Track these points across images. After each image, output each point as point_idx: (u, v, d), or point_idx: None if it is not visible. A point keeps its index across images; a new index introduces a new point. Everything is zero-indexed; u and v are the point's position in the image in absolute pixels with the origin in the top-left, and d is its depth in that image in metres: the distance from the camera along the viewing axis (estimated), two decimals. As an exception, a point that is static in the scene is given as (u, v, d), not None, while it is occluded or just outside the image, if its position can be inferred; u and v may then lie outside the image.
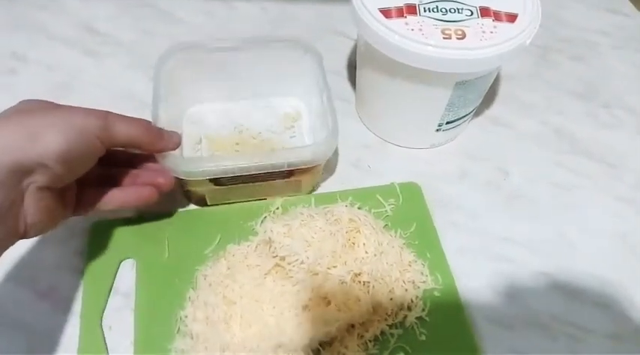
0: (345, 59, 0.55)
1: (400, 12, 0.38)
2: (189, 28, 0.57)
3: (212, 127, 0.47)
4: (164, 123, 0.38)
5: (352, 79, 0.53)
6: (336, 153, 0.47)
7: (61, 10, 0.57)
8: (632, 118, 0.52)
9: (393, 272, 0.37)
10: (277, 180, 0.40)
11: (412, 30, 0.37)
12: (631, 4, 0.63)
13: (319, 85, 0.43)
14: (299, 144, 0.47)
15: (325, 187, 0.45)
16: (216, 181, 0.39)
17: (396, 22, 0.37)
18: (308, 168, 0.39)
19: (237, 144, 0.46)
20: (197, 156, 0.45)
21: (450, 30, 0.37)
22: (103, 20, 0.56)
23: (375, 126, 0.49)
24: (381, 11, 0.38)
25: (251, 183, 0.40)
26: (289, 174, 0.40)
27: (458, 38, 0.36)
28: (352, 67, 0.54)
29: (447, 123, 0.44)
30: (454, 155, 0.48)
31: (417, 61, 0.37)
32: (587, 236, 0.44)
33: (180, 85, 0.45)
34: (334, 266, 0.35)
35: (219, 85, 0.47)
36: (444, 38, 0.36)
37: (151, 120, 0.37)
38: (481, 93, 0.44)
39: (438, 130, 0.45)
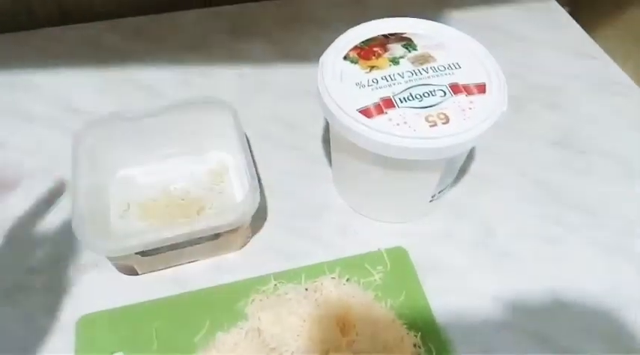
0: (323, 122, 0.56)
1: (379, 108, 0.38)
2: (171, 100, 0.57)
3: (140, 191, 0.48)
4: (88, 195, 0.41)
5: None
6: (264, 206, 0.48)
7: (39, 90, 0.57)
8: (608, 163, 0.53)
9: (387, 351, 0.36)
10: (205, 243, 0.42)
11: (398, 125, 0.37)
12: (599, 47, 0.64)
13: (239, 141, 0.44)
14: (228, 199, 0.48)
15: (312, 256, 0.45)
16: (142, 253, 0.40)
17: (379, 121, 0.37)
18: (234, 228, 0.40)
19: (166, 206, 0.47)
20: (122, 228, 0.46)
21: (433, 116, 0.37)
22: (84, 99, 0.57)
23: (360, 208, 0.48)
24: (361, 112, 0.37)
25: (178, 250, 0.41)
26: (216, 235, 0.41)
27: (443, 123, 0.37)
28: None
29: (439, 192, 0.45)
30: (438, 216, 0.48)
31: (409, 154, 0.37)
32: (578, 293, 0.44)
33: (103, 154, 0.47)
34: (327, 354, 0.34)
35: (145, 148, 0.49)
36: (430, 126, 0.37)
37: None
38: (464, 159, 0.44)
39: (431, 201, 0.46)
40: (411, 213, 0.48)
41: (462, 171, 0.51)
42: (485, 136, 0.38)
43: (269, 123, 0.55)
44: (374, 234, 0.47)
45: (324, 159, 0.53)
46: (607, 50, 0.64)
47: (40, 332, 0.40)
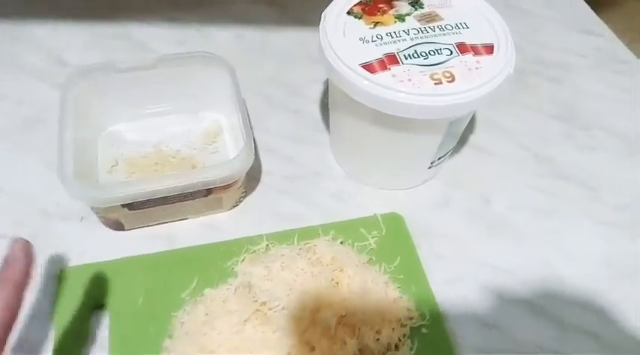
0: (323, 87, 0.54)
1: (382, 64, 0.36)
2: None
3: (130, 148, 0.46)
4: (75, 148, 0.39)
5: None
6: (259, 167, 0.47)
7: (31, 41, 0.55)
8: (611, 140, 0.52)
9: (379, 311, 0.35)
10: (196, 200, 0.40)
11: (402, 81, 0.35)
12: (606, 25, 0.63)
13: (235, 100, 0.42)
14: (221, 160, 0.46)
15: (306, 219, 0.44)
16: (130, 206, 0.38)
17: (382, 76, 0.36)
18: (226, 185, 0.39)
19: (156, 164, 0.45)
20: (109, 182, 0.44)
21: (438, 74, 0.36)
22: (73, 52, 0.55)
23: (356, 174, 0.47)
24: (363, 67, 0.36)
25: (168, 205, 0.40)
26: (208, 192, 0.40)
27: (448, 81, 0.36)
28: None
29: (439, 158, 0.44)
30: (436, 183, 0.47)
31: (412, 112, 0.35)
32: (572, 262, 0.43)
33: (92, 107, 0.44)
34: (318, 311, 0.33)
35: (136, 103, 0.47)
36: (435, 84, 0.35)
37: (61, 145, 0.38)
38: (467, 123, 0.43)
39: (430, 167, 0.44)
40: (409, 180, 0.47)
41: (462, 141, 0.50)
42: (491, 97, 0.36)
43: (267, 87, 0.54)
44: (370, 201, 0.46)
45: (323, 125, 0.51)
46: (613, 28, 0.63)
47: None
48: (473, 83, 0.36)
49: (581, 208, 0.47)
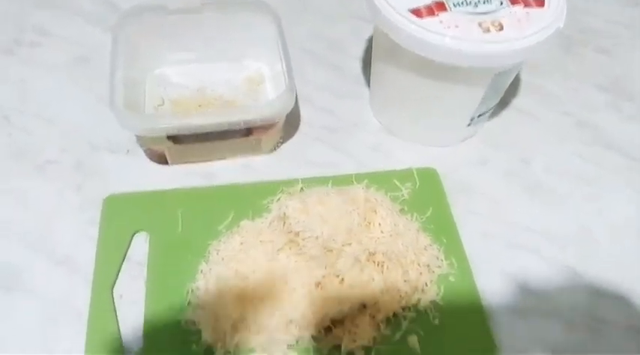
0: (366, 44, 0.55)
1: (430, 10, 0.36)
2: None
3: (175, 90, 0.48)
4: (124, 86, 0.40)
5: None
6: (297, 114, 0.48)
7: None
8: (658, 113, 0.51)
9: (408, 254, 0.36)
10: (236, 139, 0.41)
11: (449, 27, 0.35)
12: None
13: (280, 46, 0.43)
14: None
15: (341, 169, 0.44)
16: (174, 139, 0.40)
17: (430, 22, 0.36)
18: (266, 126, 0.40)
19: (199, 106, 0.47)
20: (155, 113, 0.46)
21: (487, 22, 0.36)
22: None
23: (394, 129, 0.47)
24: (411, 12, 0.36)
25: (209, 142, 0.41)
26: (248, 132, 0.41)
27: (497, 30, 0.35)
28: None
29: (479, 116, 0.43)
30: (474, 143, 0.47)
31: (458, 59, 0.35)
32: (609, 229, 0.42)
33: (142, 48, 0.46)
34: (349, 244, 0.34)
35: (183, 47, 0.48)
36: (483, 32, 0.35)
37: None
38: (511, 80, 0.43)
39: (469, 125, 0.44)
40: (447, 137, 0.47)
41: (503, 104, 0.50)
42: (539, 48, 0.36)
43: (309, 42, 0.54)
44: (406, 155, 0.46)
45: (363, 80, 0.52)
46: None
47: (67, 206, 0.41)
48: (522, 33, 0.35)
49: (623, 177, 0.46)
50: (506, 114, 0.50)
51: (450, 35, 0.35)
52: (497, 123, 0.49)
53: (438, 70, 0.38)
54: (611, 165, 0.46)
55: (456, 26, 0.36)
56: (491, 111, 0.45)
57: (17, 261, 0.38)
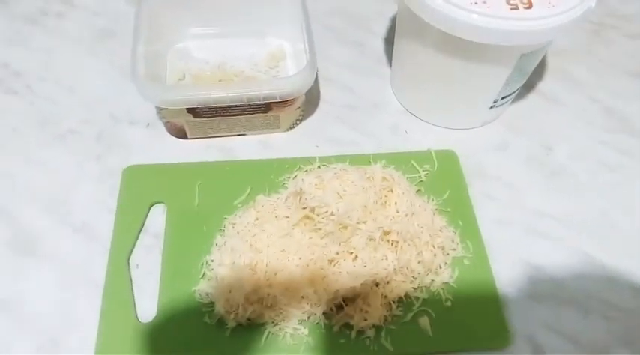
0: (389, 23, 0.54)
1: None
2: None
3: (196, 64, 0.48)
4: (146, 59, 0.41)
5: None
6: (317, 92, 0.48)
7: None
8: (689, 102, 0.49)
9: (423, 235, 0.36)
10: (255, 115, 0.42)
11: (476, 4, 0.34)
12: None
13: (302, 21, 0.43)
14: None
15: (359, 148, 0.44)
16: (194, 113, 0.40)
17: None
18: (286, 102, 0.40)
19: (220, 81, 0.47)
20: (176, 85, 0.46)
21: (515, 0, 0.35)
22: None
23: (415, 110, 0.47)
24: None
25: (228, 116, 0.41)
26: (267, 108, 0.41)
27: (525, 8, 0.34)
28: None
29: (502, 98, 0.43)
30: (495, 127, 0.46)
31: (484, 36, 0.35)
32: (630, 217, 0.41)
33: (165, 21, 0.46)
34: (364, 222, 0.34)
35: (206, 22, 0.49)
36: (511, 9, 0.34)
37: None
38: (536, 63, 0.42)
39: (491, 107, 0.43)
40: (468, 119, 0.46)
41: (528, 87, 0.49)
42: (568, 29, 0.35)
43: (332, 19, 0.54)
44: (426, 137, 0.45)
45: (385, 59, 0.51)
46: None
47: (87, 176, 0.41)
48: (551, 11, 0.34)
49: (647, 166, 0.45)
50: (530, 98, 0.49)
51: (477, 12, 0.34)
52: (520, 107, 0.48)
53: (463, 49, 0.37)
54: (635, 154, 0.45)
55: (484, 2, 0.35)
56: (514, 95, 0.44)
57: (37, 227, 0.38)
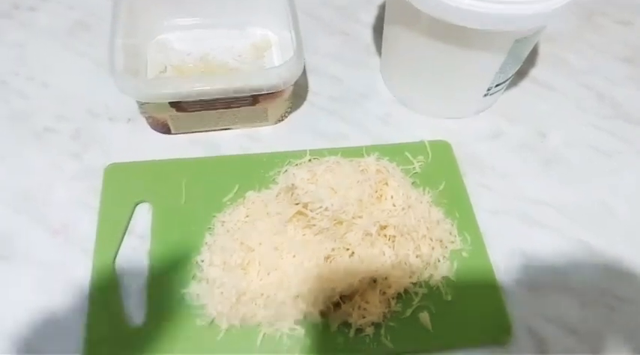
0: (377, 11, 0.52)
1: None
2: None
3: (178, 56, 0.46)
4: (125, 52, 0.39)
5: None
6: (305, 83, 0.46)
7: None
8: (680, 86, 0.49)
9: (421, 228, 0.35)
10: (242, 108, 0.40)
11: None
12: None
13: (288, 10, 0.41)
14: None
15: (351, 141, 0.43)
16: (177, 107, 0.38)
17: None
18: (273, 94, 0.39)
19: (202, 72, 0.45)
20: (157, 78, 0.44)
21: None
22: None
23: (407, 99, 0.45)
24: None
25: (214, 110, 0.39)
26: (254, 101, 0.39)
27: None
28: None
29: (496, 85, 0.41)
30: (488, 115, 0.45)
31: (476, 21, 0.33)
32: (627, 203, 0.41)
33: (144, 12, 0.44)
34: (359, 217, 0.33)
35: (187, 12, 0.47)
36: None
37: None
38: (530, 48, 0.41)
39: (485, 95, 0.42)
40: (461, 108, 0.45)
41: (521, 75, 0.48)
42: (561, 13, 0.34)
43: (319, 8, 0.52)
44: (418, 127, 0.44)
45: (374, 49, 0.50)
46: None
47: (65, 176, 0.39)
48: (544, -5, 0.33)
49: (641, 151, 0.44)
50: (523, 86, 0.48)
51: None
52: (513, 95, 0.47)
53: (455, 35, 0.36)
54: (630, 139, 0.45)
55: None
56: (508, 82, 0.43)
57: (12, 229, 0.36)
